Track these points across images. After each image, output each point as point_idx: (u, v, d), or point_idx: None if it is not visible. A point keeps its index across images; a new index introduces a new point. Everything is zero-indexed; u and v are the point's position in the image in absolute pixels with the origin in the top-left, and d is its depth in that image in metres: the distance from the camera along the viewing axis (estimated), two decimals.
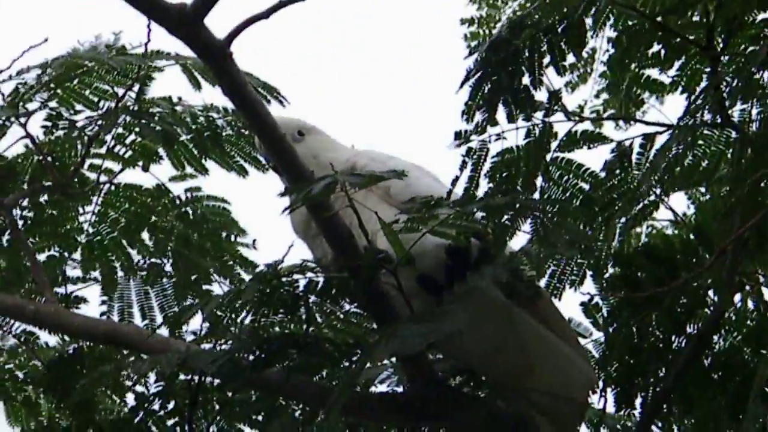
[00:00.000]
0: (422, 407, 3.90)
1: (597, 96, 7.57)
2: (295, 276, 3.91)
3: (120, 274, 5.22)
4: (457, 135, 3.85)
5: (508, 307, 3.80)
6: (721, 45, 3.81)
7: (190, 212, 5.22)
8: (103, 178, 5.16)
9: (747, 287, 4.12)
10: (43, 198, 5.16)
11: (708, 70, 3.87)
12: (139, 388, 5.01)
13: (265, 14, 3.80)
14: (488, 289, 3.59)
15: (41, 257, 5.18)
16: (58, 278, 5.21)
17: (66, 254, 5.22)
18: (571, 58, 3.84)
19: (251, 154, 5.04)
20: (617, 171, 3.86)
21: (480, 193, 3.90)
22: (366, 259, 3.71)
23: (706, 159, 3.95)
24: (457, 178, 3.87)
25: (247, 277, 5.22)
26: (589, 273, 3.99)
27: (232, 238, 5.27)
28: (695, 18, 3.86)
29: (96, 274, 5.23)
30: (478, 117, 3.78)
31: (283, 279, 3.90)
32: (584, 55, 7.34)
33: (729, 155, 3.90)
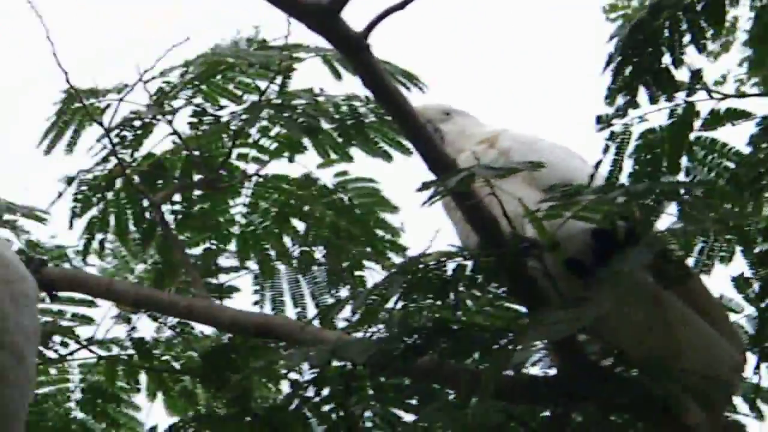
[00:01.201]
0: (573, 389, 4.15)
1: (740, 64, 7.68)
2: (444, 261, 4.21)
3: (275, 262, 5.56)
4: (599, 119, 4.10)
5: (655, 288, 4.01)
6: None
7: (344, 198, 5.54)
8: (250, 170, 5.52)
9: None
10: (193, 193, 5.54)
11: None
12: (293, 376, 5.41)
13: (401, 5, 4.11)
14: (635, 272, 3.81)
15: (196, 251, 5.58)
16: (212, 269, 5.58)
17: (220, 246, 5.59)
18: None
19: (395, 139, 5.37)
20: (764, 145, 4.03)
21: (624, 174, 4.13)
22: (511, 246, 3.98)
23: None
24: (600, 162, 4.10)
25: (397, 261, 5.53)
26: (738, 248, 4.17)
27: (381, 224, 5.56)
28: None
29: (249, 264, 5.59)
30: (620, 100, 4.01)
31: (432, 265, 4.20)
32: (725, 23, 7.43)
33: None
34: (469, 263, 4.19)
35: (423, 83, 5.18)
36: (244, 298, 5.66)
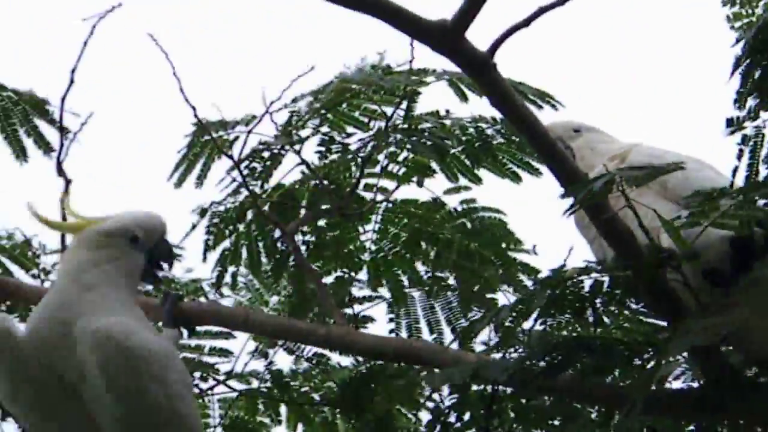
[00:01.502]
0: (718, 401, 4.15)
1: None
2: (580, 278, 4.26)
3: (406, 289, 5.65)
4: (729, 122, 4.10)
5: None
6: None
7: (468, 223, 5.60)
8: (379, 196, 5.62)
9: None
10: (323, 221, 5.66)
11: None
12: (432, 403, 5.48)
13: (526, 22, 4.18)
14: None
15: (328, 279, 5.68)
16: (344, 299, 5.68)
17: (352, 274, 5.70)
18: None
19: (523, 160, 5.43)
20: None
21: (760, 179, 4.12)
22: (649, 258, 4.01)
23: None
24: (736, 168, 4.11)
25: (529, 284, 5.57)
26: None
27: (513, 245, 5.62)
28: None
29: (382, 291, 5.68)
30: (750, 102, 4.02)
31: (569, 282, 4.25)
32: None
33: None
34: (606, 278, 4.23)
35: (557, 101, 5.24)
36: (379, 327, 5.76)
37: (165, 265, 4.42)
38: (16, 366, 4.18)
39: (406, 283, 5.72)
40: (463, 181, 5.58)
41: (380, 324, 5.74)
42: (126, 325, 4.05)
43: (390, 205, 5.69)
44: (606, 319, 4.68)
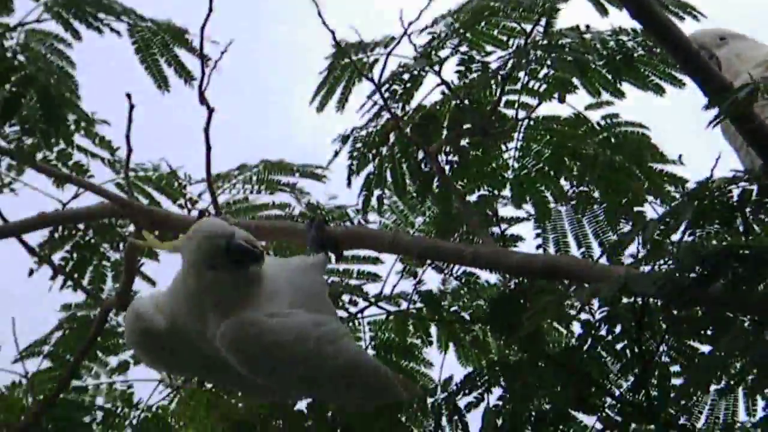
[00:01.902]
0: None
1: None
2: (729, 187, 4.32)
3: (551, 204, 5.75)
4: None
5: None
6: None
7: (611, 138, 5.67)
8: (521, 114, 5.72)
9: None
10: (466, 141, 5.78)
11: None
12: (583, 316, 5.61)
13: None
14: None
15: (471, 198, 5.81)
16: (490, 218, 5.81)
17: (495, 192, 5.81)
18: None
19: (666, 71, 5.47)
20: None
21: None
22: None
23: None
24: None
25: (676, 195, 5.63)
26: None
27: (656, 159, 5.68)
28: None
29: (527, 208, 5.80)
30: None
31: (717, 192, 4.32)
32: None
33: None
34: (755, 187, 4.28)
35: (699, 12, 5.25)
36: (527, 245, 5.89)
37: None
38: (153, 346, 4.51)
39: (550, 199, 5.83)
40: (605, 96, 5.64)
41: (527, 241, 5.88)
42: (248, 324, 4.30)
43: (532, 122, 5.77)
44: (756, 228, 4.74)
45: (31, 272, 6.26)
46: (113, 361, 6.46)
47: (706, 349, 5.16)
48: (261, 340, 4.32)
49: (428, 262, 5.93)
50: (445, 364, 6.08)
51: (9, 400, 6.33)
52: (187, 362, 4.63)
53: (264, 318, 4.32)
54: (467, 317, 6.02)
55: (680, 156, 5.66)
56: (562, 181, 5.83)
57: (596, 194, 5.76)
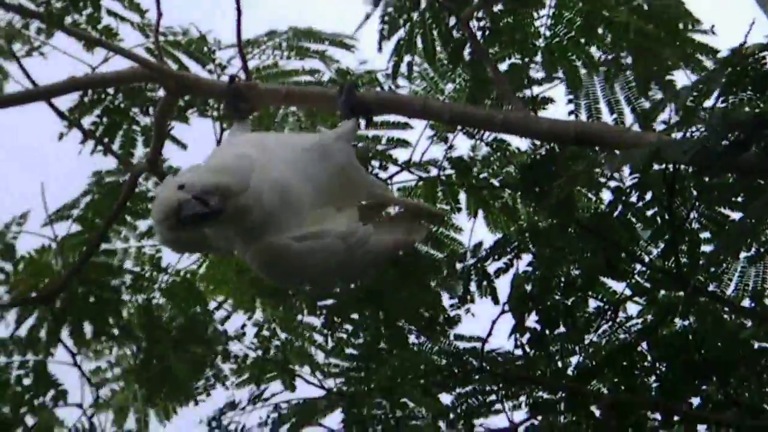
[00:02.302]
0: None
1: None
2: (762, 55, 4.41)
3: (582, 72, 5.83)
4: None
5: None
6: None
7: (644, 5, 5.73)
8: None
9: None
10: (498, 7, 5.85)
11: None
12: (614, 183, 5.74)
13: None
14: None
15: (502, 66, 5.89)
16: (522, 83, 5.90)
17: (526, 60, 5.90)
18: None
19: None
20: None
21: None
22: None
23: None
24: None
25: (708, 64, 5.71)
26: None
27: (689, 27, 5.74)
28: None
29: (559, 75, 5.88)
30: None
31: (750, 59, 4.40)
32: None
33: None
34: None
35: None
36: (558, 110, 5.98)
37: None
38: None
39: (581, 66, 5.91)
40: None
41: (559, 106, 5.97)
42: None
43: None
44: None
45: (60, 136, 6.36)
46: (142, 225, 6.64)
47: (736, 216, 5.30)
48: (290, 265, 4.43)
49: (458, 128, 6.05)
50: (474, 231, 6.27)
51: (38, 264, 6.49)
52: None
53: (290, 243, 4.36)
54: (497, 183, 6.15)
55: (713, 26, 5.71)
56: (594, 50, 5.90)
57: (628, 60, 5.83)
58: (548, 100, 5.96)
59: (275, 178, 4.39)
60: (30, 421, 6.39)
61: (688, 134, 4.63)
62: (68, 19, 5.92)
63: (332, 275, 4.65)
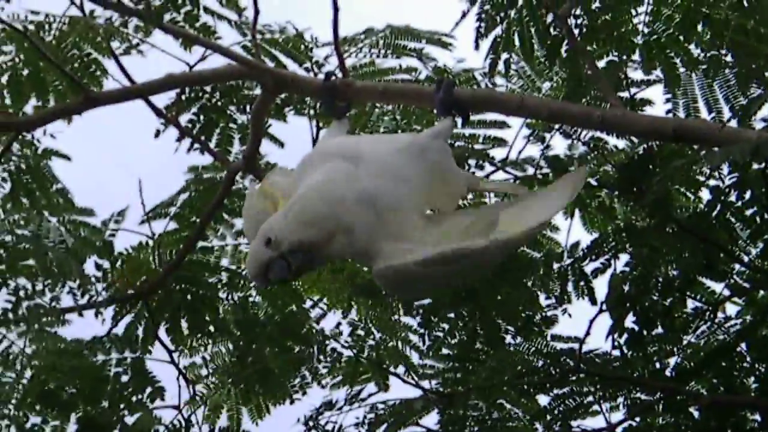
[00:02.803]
0: None
1: None
2: None
3: (681, 69, 5.89)
4: None
5: None
6: None
7: (744, 1, 5.76)
8: None
9: None
10: (596, 4, 5.92)
11: None
12: (713, 182, 5.80)
13: None
14: None
15: (600, 63, 5.96)
16: (620, 82, 5.97)
17: (624, 57, 5.97)
18: None
19: None
20: None
21: None
22: None
23: None
24: None
25: None
26: None
27: None
28: None
29: (657, 73, 5.95)
30: None
31: None
32: None
33: None
34: None
35: None
36: (656, 110, 6.04)
37: None
38: None
39: (680, 64, 5.96)
40: None
41: (657, 106, 6.03)
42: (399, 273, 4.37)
43: None
44: None
45: (157, 133, 6.54)
46: (239, 223, 6.78)
47: None
48: (417, 287, 4.48)
49: (556, 126, 6.15)
50: (571, 230, 6.36)
51: (136, 261, 6.64)
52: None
53: (415, 270, 4.32)
54: (594, 182, 6.21)
55: None
56: (692, 47, 5.95)
57: (728, 59, 5.87)
58: (646, 102, 6.02)
59: (363, 188, 4.44)
60: (129, 419, 6.52)
61: None
62: (166, 17, 6.08)
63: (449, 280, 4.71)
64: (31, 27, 6.38)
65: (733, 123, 5.55)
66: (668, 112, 5.90)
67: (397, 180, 4.53)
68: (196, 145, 6.52)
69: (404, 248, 4.37)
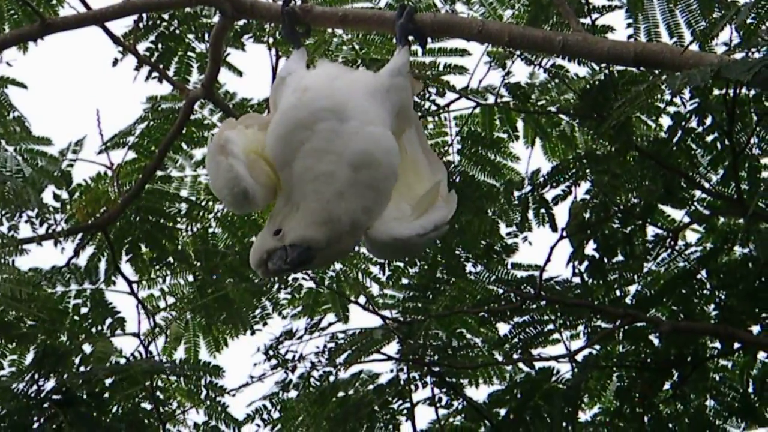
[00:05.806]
0: None
1: None
2: None
3: None
4: None
5: None
6: None
7: None
8: None
9: None
10: None
11: None
12: (673, 109, 5.77)
13: None
14: None
15: None
16: (581, 8, 5.91)
17: None
18: None
19: None
20: None
21: None
22: None
23: None
24: None
25: None
26: None
27: None
28: None
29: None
30: None
31: None
32: None
33: None
34: None
35: None
36: (617, 36, 5.96)
37: None
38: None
39: None
40: None
41: (619, 32, 5.95)
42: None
43: None
44: None
45: (115, 62, 6.44)
46: (198, 153, 6.73)
47: None
48: (412, 252, 5.25)
49: (517, 53, 6.09)
50: (531, 159, 6.32)
51: (94, 191, 6.56)
52: None
53: (417, 242, 4.52)
54: (555, 110, 6.19)
55: None
56: None
57: None
58: (608, 28, 5.95)
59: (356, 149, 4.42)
60: (87, 349, 6.47)
61: (750, 55, 4.64)
62: None
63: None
64: None
65: (695, 47, 5.49)
66: (630, 37, 5.83)
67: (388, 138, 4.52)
68: (155, 74, 6.42)
69: (393, 218, 4.52)
